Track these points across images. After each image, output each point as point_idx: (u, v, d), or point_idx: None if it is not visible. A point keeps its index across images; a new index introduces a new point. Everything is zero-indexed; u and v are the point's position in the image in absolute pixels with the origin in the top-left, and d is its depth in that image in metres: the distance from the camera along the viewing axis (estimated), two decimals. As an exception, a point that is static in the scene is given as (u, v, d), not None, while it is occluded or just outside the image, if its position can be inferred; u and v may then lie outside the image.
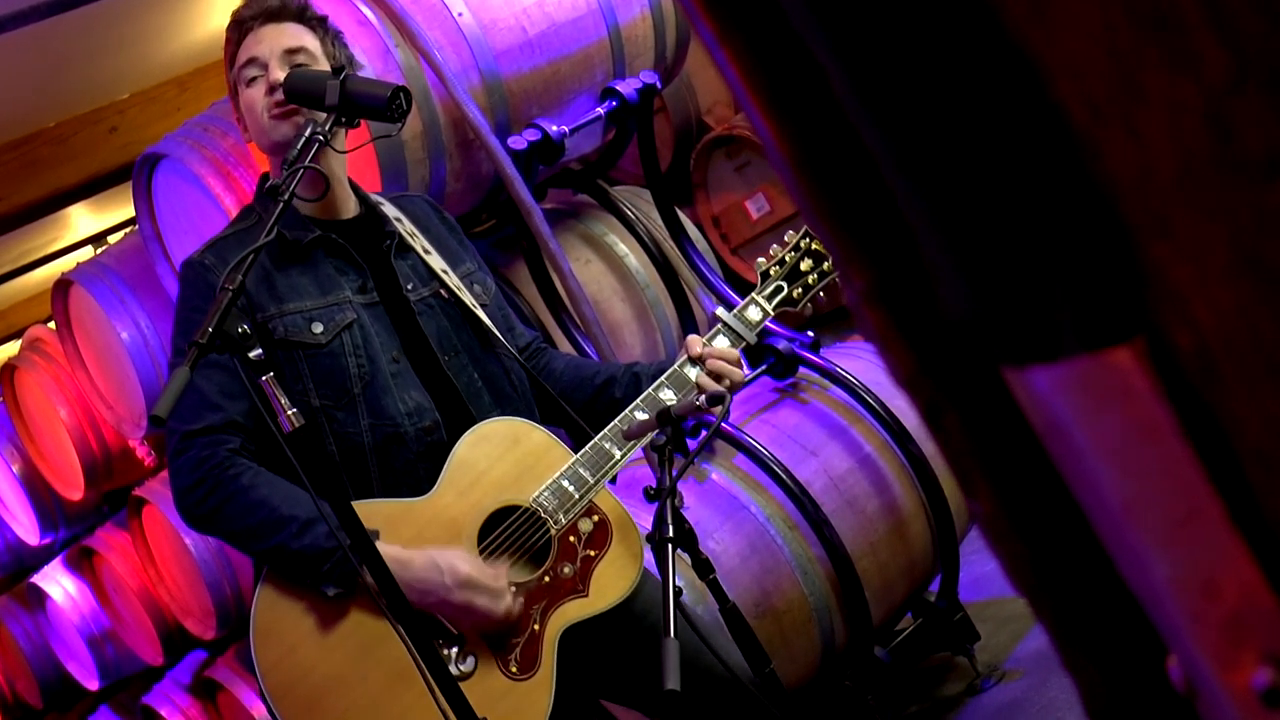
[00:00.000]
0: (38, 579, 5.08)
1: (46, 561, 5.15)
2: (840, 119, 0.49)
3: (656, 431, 2.19)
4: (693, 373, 2.16)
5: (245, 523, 1.97)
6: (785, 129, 0.53)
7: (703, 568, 2.24)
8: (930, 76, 0.45)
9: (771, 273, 2.32)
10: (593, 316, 3.09)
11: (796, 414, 3.25)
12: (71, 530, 4.99)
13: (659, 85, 3.39)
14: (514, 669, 2.01)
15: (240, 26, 2.18)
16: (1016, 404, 0.50)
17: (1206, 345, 0.43)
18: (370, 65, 2.86)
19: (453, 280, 2.19)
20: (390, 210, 2.22)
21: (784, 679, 2.38)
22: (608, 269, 3.52)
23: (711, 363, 2.15)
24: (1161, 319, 0.44)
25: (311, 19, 2.20)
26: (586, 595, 2.07)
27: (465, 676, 1.98)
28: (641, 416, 2.11)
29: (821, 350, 3.35)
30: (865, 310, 0.54)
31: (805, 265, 2.32)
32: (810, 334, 3.35)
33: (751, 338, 2.23)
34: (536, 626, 2.03)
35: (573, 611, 2.06)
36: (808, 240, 2.34)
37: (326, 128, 1.94)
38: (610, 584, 2.09)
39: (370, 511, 1.98)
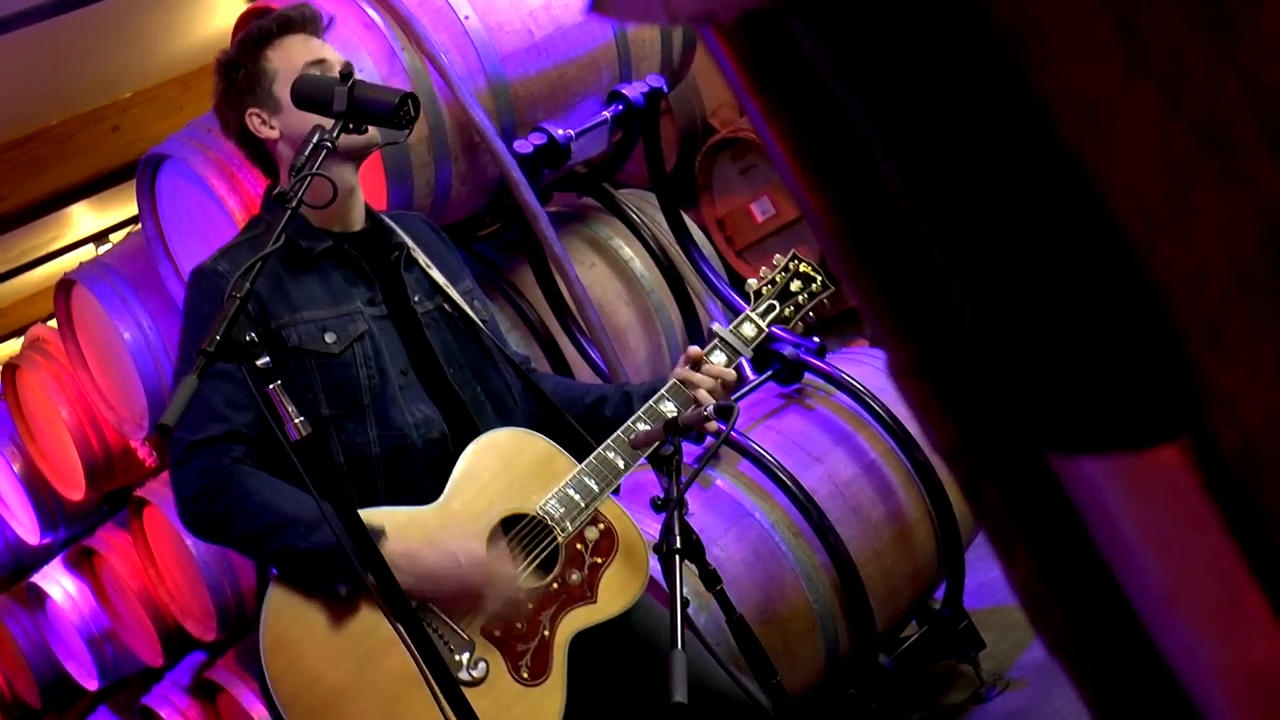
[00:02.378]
0: (37, 579, 5.06)
1: (46, 561, 5.13)
2: (886, 199, 0.49)
3: (664, 441, 2.19)
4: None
5: (251, 527, 1.97)
6: (830, 203, 0.53)
7: (710, 579, 2.23)
8: (987, 184, 0.45)
9: (764, 291, 2.37)
10: (598, 321, 3.08)
11: (802, 420, 3.24)
12: (72, 530, 4.97)
13: (665, 89, 3.38)
14: (525, 675, 2.01)
15: (291, 24, 2.17)
16: (1058, 481, 0.51)
17: (1253, 447, 0.45)
18: (376, 68, 2.85)
19: (455, 295, 2.20)
20: (392, 225, 2.23)
21: (788, 687, 2.37)
22: (612, 273, 3.51)
23: (710, 368, 2.19)
24: (1208, 419, 0.45)
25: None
26: (595, 602, 2.08)
27: (477, 682, 1.98)
28: (645, 429, 2.13)
29: (827, 356, 3.34)
30: (905, 382, 0.55)
31: (795, 286, 2.37)
32: (816, 340, 3.34)
33: (748, 352, 2.27)
34: (546, 633, 2.03)
35: (582, 618, 2.06)
36: (796, 262, 2.40)
37: (334, 134, 1.93)
38: (618, 590, 2.09)
39: (377, 519, 1.98)
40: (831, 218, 0.54)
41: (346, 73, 1.98)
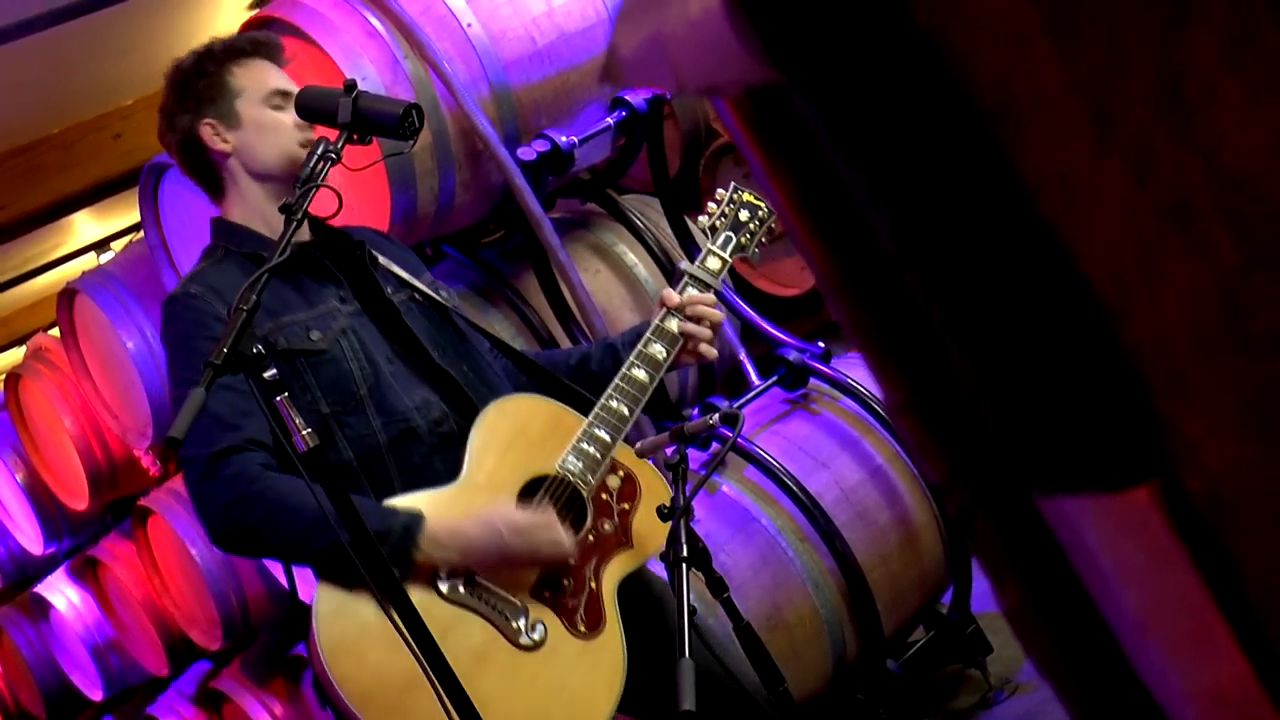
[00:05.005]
0: (41, 589, 5.06)
1: (50, 571, 5.12)
2: (882, 252, 0.54)
3: (670, 448, 2.19)
4: (674, 324, 2.22)
5: (294, 529, 1.95)
6: (829, 254, 0.58)
7: (716, 586, 2.23)
8: (973, 250, 0.50)
9: (718, 225, 2.43)
10: (602, 327, 3.08)
11: (807, 425, 3.24)
12: (75, 540, 4.97)
13: (668, 95, 3.37)
14: (582, 628, 2.05)
15: (258, 47, 2.19)
16: (1043, 517, 0.56)
17: (1215, 491, 0.50)
18: (379, 76, 2.84)
19: (421, 285, 2.24)
20: (344, 231, 2.26)
21: (795, 692, 2.37)
22: (617, 279, 3.50)
23: (691, 308, 2.22)
24: (1175, 465, 0.50)
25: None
26: (633, 546, 2.13)
27: (538, 645, 2.01)
28: (640, 374, 2.17)
29: (832, 361, 3.33)
30: (901, 420, 0.60)
31: (744, 215, 2.43)
32: (821, 344, 3.34)
33: (718, 284, 2.32)
34: (593, 584, 2.07)
35: (624, 564, 2.11)
36: (739, 193, 2.46)
37: (339, 146, 1.93)
38: (652, 531, 2.14)
39: (412, 504, 2.01)
40: (830, 267, 0.59)
41: (350, 84, 1.98)
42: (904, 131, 0.50)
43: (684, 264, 2.36)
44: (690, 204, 4.65)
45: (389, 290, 2.18)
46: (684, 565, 1.97)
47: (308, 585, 3.38)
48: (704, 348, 2.22)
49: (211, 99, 2.17)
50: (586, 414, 2.14)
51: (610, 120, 3.23)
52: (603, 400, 2.14)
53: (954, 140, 0.49)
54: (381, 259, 2.23)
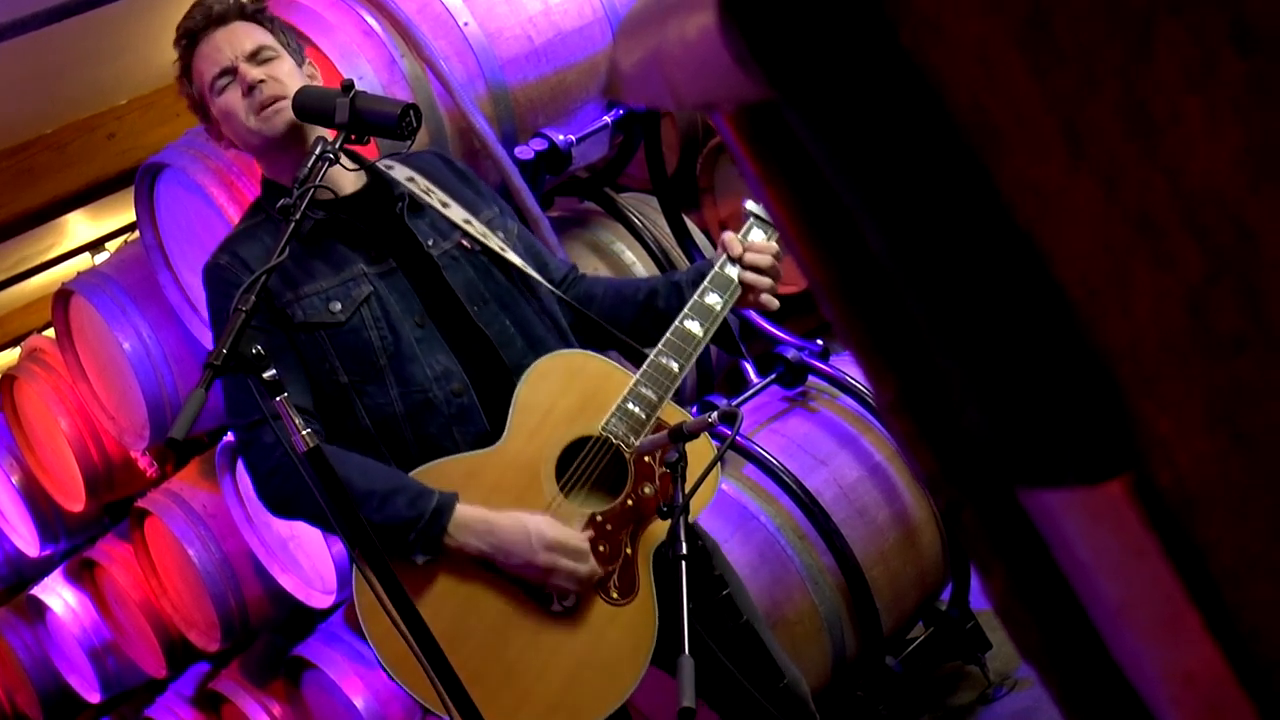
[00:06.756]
0: (37, 591, 5.04)
1: (46, 573, 5.11)
2: (871, 258, 0.58)
3: (672, 449, 2.18)
4: (734, 272, 2.15)
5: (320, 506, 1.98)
6: (822, 260, 0.62)
7: (715, 584, 2.23)
8: (955, 257, 0.54)
9: None
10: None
11: (806, 423, 3.24)
12: (72, 542, 4.95)
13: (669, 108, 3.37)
14: (615, 595, 2.04)
15: (192, 37, 2.17)
16: (1026, 511, 0.60)
17: (1184, 484, 0.53)
18: (376, 76, 2.84)
19: (476, 228, 2.18)
20: (402, 172, 2.20)
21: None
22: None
23: (750, 256, 2.15)
24: (1147, 460, 0.54)
25: (255, 13, 2.19)
26: None
27: (569, 611, 2.02)
28: (692, 326, 2.10)
29: (830, 358, 3.33)
30: (892, 418, 0.63)
31: None
32: (819, 342, 3.34)
33: None
34: (629, 550, 2.05)
35: (662, 529, 2.07)
36: None
37: (337, 145, 1.93)
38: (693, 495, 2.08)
39: (448, 468, 2.02)
40: (823, 272, 0.62)
41: (347, 84, 1.98)
42: (889, 144, 0.54)
43: (749, 203, 2.24)
44: (688, 202, 4.65)
45: (430, 242, 2.14)
46: (683, 563, 1.97)
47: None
48: (764, 297, 2.15)
49: (201, 109, 2.20)
50: (638, 367, 2.09)
51: (608, 119, 3.23)
52: (652, 356, 2.08)
53: (936, 153, 0.53)
54: (438, 199, 2.18)
